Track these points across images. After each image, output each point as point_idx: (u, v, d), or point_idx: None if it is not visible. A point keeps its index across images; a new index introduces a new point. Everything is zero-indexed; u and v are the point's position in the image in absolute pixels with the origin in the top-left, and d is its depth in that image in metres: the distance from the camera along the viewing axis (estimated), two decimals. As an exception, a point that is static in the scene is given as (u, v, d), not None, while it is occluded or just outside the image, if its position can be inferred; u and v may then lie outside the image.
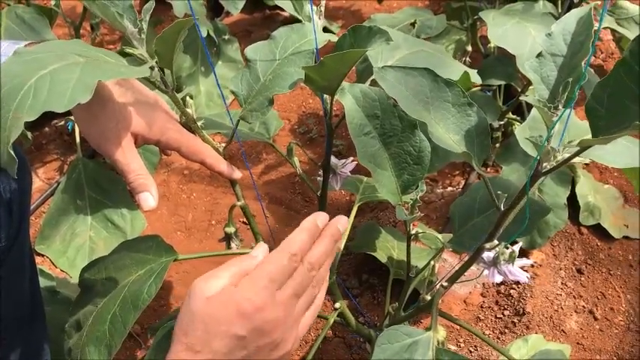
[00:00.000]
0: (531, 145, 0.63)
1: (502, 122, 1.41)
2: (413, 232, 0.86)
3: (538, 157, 0.61)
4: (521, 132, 0.80)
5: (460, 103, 0.68)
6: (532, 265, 1.27)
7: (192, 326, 0.60)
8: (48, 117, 1.67)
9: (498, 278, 0.71)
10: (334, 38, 0.75)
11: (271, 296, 0.61)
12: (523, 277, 0.71)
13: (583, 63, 0.59)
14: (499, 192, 0.67)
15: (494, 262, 0.69)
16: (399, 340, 0.65)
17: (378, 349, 0.64)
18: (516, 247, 0.71)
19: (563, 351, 0.75)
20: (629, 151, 0.68)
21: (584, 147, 0.59)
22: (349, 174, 0.91)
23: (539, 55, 0.63)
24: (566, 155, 0.62)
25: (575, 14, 0.64)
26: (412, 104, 0.66)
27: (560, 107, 0.60)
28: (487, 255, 0.71)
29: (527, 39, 1.05)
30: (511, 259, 0.69)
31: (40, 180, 1.58)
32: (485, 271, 0.71)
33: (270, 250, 0.66)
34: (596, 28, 1.48)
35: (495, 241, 0.71)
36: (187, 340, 0.59)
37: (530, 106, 1.39)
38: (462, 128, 0.67)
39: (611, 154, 0.68)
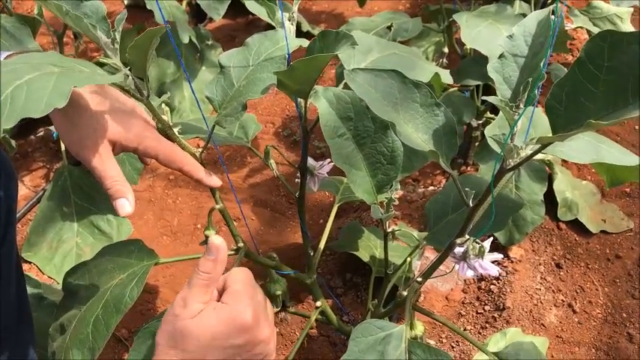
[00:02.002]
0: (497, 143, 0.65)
1: (480, 121, 1.44)
2: (389, 230, 0.89)
3: (502, 155, 0.63)
4: (491, 130, 0.82)
5: (428, 103, 0.70)
6: (511, 261, 1.29)
7: (183, 342, 0.64)
8: (33, 125, 1.69)
9: (469, 272, 0.73)
10: (305, 43, 0.77)
11: (262, 308, 0.69)
12: (494, 270, 0.73)
13: (542, 63, 0.61)
14: (467, 189, 0.69)
15: (464, 257, 0.72)
16: (373, 333, 0.68)
17: (352, 343, 0.67)
18: (487, 243, 0.73)
19: (534, 342, 0.78)
20: (591, 147, 0.71)
21: (544, 144, 0.61)
22: (326, 175, 0.93)
23: (502, 56, 0.65)
24: (529, 152, 0.64)
25: (535, 16, 0.66)
26: (382, 105, 0.69)
27: (521, 106, 0.62)
28: (458, 250, 0.73)
29: (499, 40, 1.07)
30: (480, 254, 0.71)
31: (26, 188, 1.59)
32: (457, 266, 0.73)
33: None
34: (568, 27, 1.50)
35: (466, 236, 0.74)
36: (176, 353, 0.64)
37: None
38: (430, 128, 0.69)
39: (575, 150, 0.70)
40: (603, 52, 0.58)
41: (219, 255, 0.69)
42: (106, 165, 0.71)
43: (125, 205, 0.73)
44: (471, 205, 0.70)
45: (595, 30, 1.48)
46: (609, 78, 0.58)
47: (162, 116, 0.73)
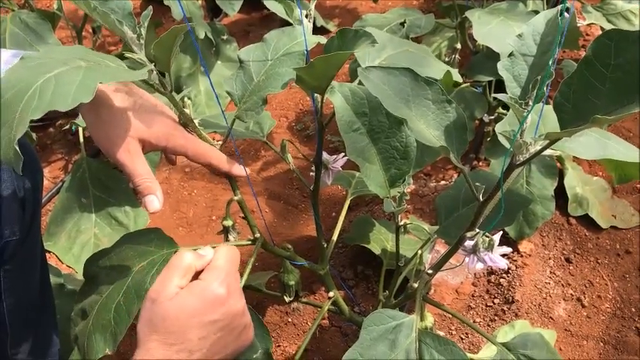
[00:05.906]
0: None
1: (492, 117, 1.46)
2: (401, 223, 0.91)
3: (511, 150, 0.65)
4: (501, 127, 0.84)
5: (439, 100, 0.72)
6: (521, 255, 1.31)
7: (164, 324, 0.65)
8: (52, 118, 1.72)
9: (479, 265, 0.75)
10: (323, 40, 0.79)
11: (236, 283, 0.70)
12: (502, 263, 0.75)
13: (550, 62, 0.63)
14: (477, 184, 0.71)
15: (474, 250, 0.74)
16: (384, 322, 0.70)
17: (364, 331, 0.69)
18: (496, 236, 0.76)
19: (542, 334, 0.80)
20: (599, 144, 0.72)
21: (552, 140, 0.63)
22: (340, 169, 0.95)
23: (511, 54, 0.67)
24: (538, 148, 0.66)
25: (543, 16, 0.68)
26: (394, 102, 0.71)
27: (530, 103, 0.64)
28: (468, 243, 0.75)
29: (511, 37, 1.08)
30: (490, 247, 0.73)
31: (46, 179, 1.63)
32: (467, 259, 0.76)
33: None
34: (581, 24, 1.51)
35: (476, 230, 0.76)
36: (159, 337, 0.65)
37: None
38: (442, 124, 0.72)
39: (583, 146, 0.72)
40: (610, 51, 0.60)
41: (206, 258, 0.71)
42: (136, 163, 0.74)
43: (154, 201, 0.76)
44: (481, 199, 0.72)
45: (608, 26, 1.49)
46: (616, 75, 0.60)
47: (185, 110, 0.76)
